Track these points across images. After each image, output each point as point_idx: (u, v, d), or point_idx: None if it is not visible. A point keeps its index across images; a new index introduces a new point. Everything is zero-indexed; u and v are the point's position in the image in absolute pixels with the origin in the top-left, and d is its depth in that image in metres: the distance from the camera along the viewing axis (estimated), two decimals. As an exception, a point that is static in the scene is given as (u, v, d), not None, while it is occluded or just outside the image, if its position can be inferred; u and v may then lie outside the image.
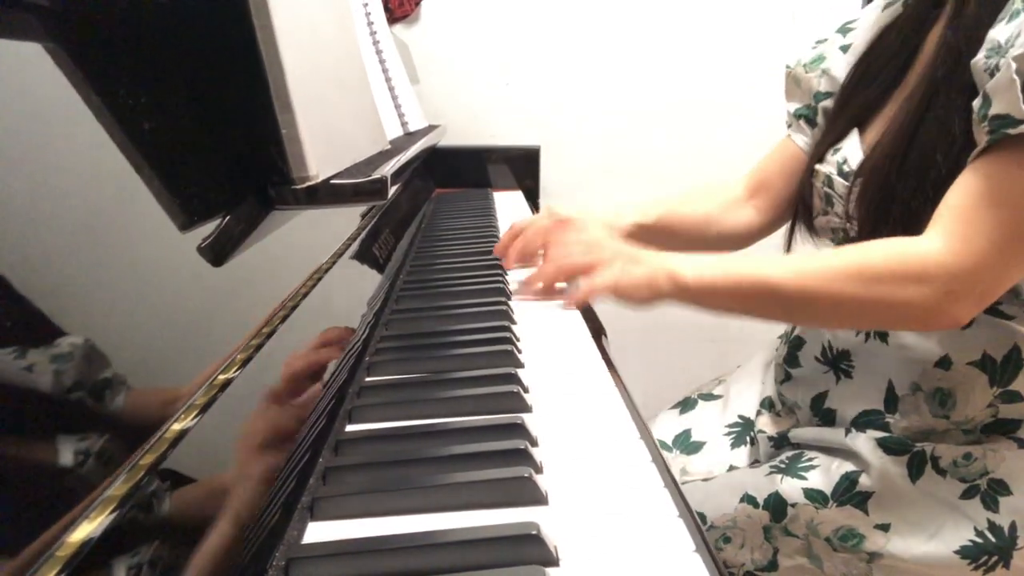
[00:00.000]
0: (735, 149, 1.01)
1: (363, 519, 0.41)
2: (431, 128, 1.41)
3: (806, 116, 0.90)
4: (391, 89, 1.26)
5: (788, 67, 0.91)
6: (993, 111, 0.60)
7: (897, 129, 0.72)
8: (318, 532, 0.40)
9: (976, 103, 0.62)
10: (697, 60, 1.78)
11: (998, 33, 0.61)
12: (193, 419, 0.37)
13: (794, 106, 0.92)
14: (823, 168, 0.80)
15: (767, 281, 0.67)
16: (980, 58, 0.62)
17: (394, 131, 1.18)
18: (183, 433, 0.36)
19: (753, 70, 1.73)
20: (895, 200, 0.70)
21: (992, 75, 0.60)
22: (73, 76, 0.39)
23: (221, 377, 0.41)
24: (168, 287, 0.42)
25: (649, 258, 0.72)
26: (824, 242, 0.86)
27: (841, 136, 0.79)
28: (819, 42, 0.90)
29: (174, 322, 0.41)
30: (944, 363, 0.71)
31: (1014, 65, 0.58)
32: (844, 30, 0.87)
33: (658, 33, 1.77)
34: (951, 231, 0.62)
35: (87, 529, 0.28)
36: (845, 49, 0.85)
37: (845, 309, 0.66)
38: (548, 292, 0.82)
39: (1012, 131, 0.58)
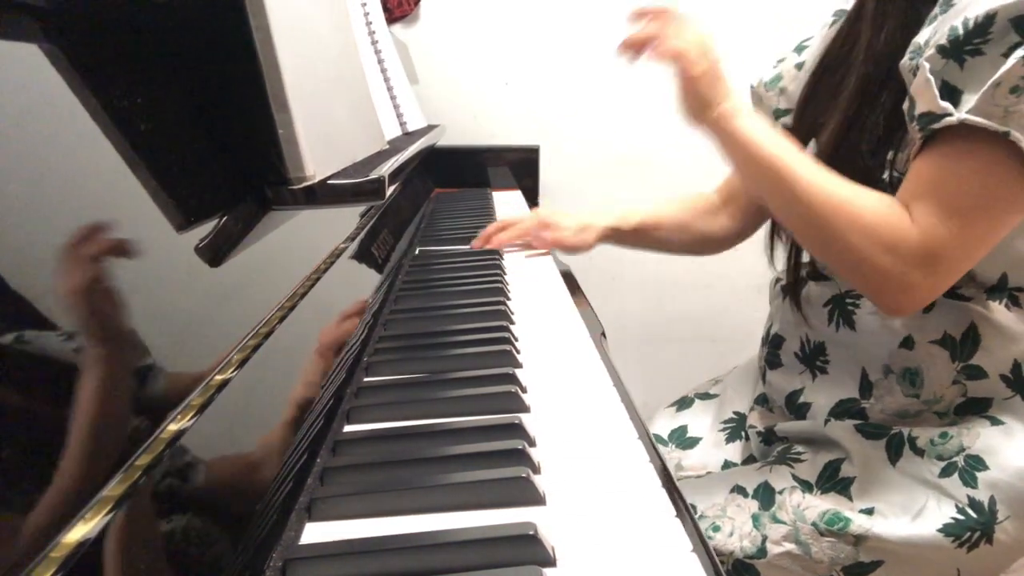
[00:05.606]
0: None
1: (361, 520, 0.41)
2: (430, 128, 1.40)
3: None
4: (389, 89, 1.26)
5: (752, 86, 0.95)
6: (918, 110, 0.64)
7: (827, 139, 0.76)
8: (316, 533, 0.40)
9: (905, 105, 0.66)
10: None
11: (920, 36, 0.65)
12: (190, 420, 0.37)
13: None
14: None
15: (787, 169, 0.69)
16: (905, 61, 0.66)
17: (392, 131, 1.18)
18: (179, 434, 0.36)
19: (754, 70, 1.73)
20: None
21: (915, 76, 0.64)
22: (70, 77, 0.39)
23: (218, 378, 0.41)
24: (165, 287, 0.42)
25: (725, 87, 0.74)
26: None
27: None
28: (779, 61, 0.92)
29: (171, 322, 0.41)
30: (908, 343, 0.75)
31: (927, 65, 0.62)
32: (799, 48, 0.90)
33: (657, 33, 1.77)
34: (916, 211, 0.65)
35: (83, 530, 0.28)
36: (800, 67, 0.87)
37: (821, 233, 0.68)
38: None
39: (936, 126, 0.62)
